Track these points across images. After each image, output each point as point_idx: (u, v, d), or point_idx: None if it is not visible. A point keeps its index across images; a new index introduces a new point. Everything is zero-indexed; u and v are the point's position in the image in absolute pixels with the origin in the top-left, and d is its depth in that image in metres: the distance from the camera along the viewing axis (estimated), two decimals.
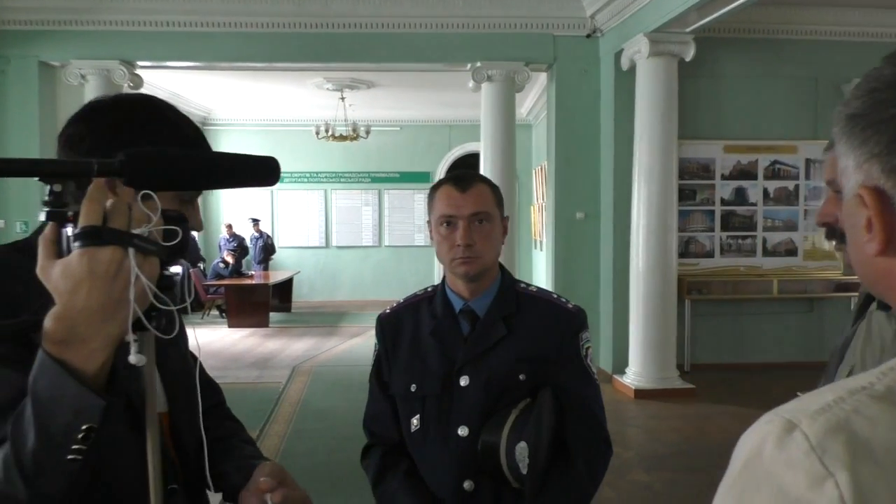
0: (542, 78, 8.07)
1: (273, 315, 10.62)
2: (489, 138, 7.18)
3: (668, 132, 6.12)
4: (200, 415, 1.02)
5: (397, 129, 12.52)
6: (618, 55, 6.55)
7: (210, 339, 9.01)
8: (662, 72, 6.06)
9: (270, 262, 12.11)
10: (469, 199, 1.58)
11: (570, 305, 1.67)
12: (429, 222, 1.67)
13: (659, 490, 4.15)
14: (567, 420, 1.57)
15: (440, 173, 12.70)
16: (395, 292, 12.53)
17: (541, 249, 9.62)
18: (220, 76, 8.90)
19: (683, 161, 6.70)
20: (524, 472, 1.47)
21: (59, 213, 0.74)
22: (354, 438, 5.24)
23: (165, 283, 0.76)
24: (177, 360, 1.17)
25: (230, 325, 10.00)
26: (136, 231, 0.73)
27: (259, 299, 10.19)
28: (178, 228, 0.77)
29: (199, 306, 10.79)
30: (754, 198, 7.11)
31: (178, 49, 6.98)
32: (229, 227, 11.62)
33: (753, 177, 7.08)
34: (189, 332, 1.20)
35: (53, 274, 0.73)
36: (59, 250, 0.75)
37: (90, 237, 0.71)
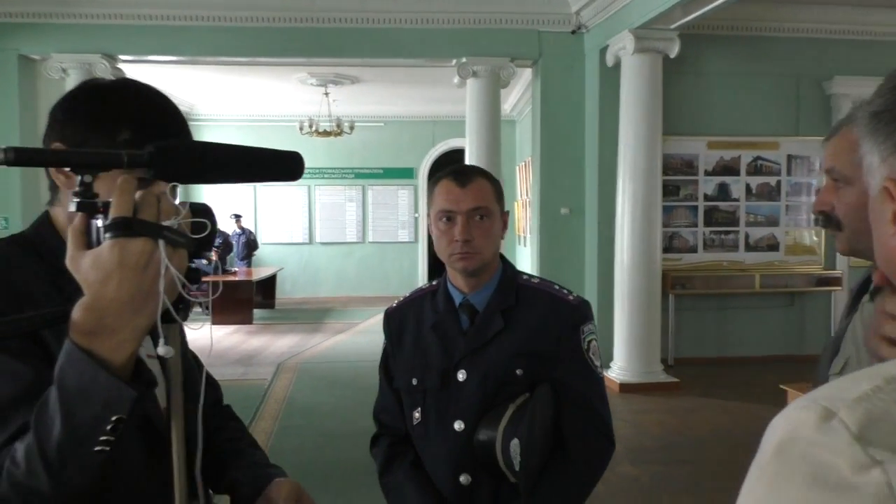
0: (527, 74, 8.10)
1: (257, 312, 10.56)
2: (474, 134, 7.19)
3: (652, 128, 6.16)
4: (201, 409, 1.01)
5: (381, 124, 12.49)
6: (603, 51, 6.58)
7: (193, 336, 8.91)
8: (647, 68, 6.10)
9: (253, 259, 12.03)
10: (468, 195, 1.57)
11: (571, 297, 1.64)
12: (428, 216, 1.66)
13: (646, 483, 4.20)
14: (565, 416, 1.57)
15: (424, 169, 12.70)
16: (379, 289, 12.64)
17: (525, 245, 9.65)
18: (203, 71, 8.83)
19: (667, 157, 6.75)
20: (518, 468, 1.47)
21: (89, 203, 0.74)
22: (341, 435, 5.28)
23: (192, 276, 0.77)
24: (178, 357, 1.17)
25: (213, 322, 9.94)
26: (165, 223, 0.73)
27: (242, 296, 10.12)
28: (206, 221, 0.78)
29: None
30: (737, 193, 7.19)
31: (161, 43, 6.91)
32: None
33: (736, 173, 7.16)
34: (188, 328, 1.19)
35: (83, 264, 0.73)
36: (88, 241, 0.74)
37: (122, 228, 0.72)
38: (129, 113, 0.99)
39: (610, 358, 6.45)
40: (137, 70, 8.13)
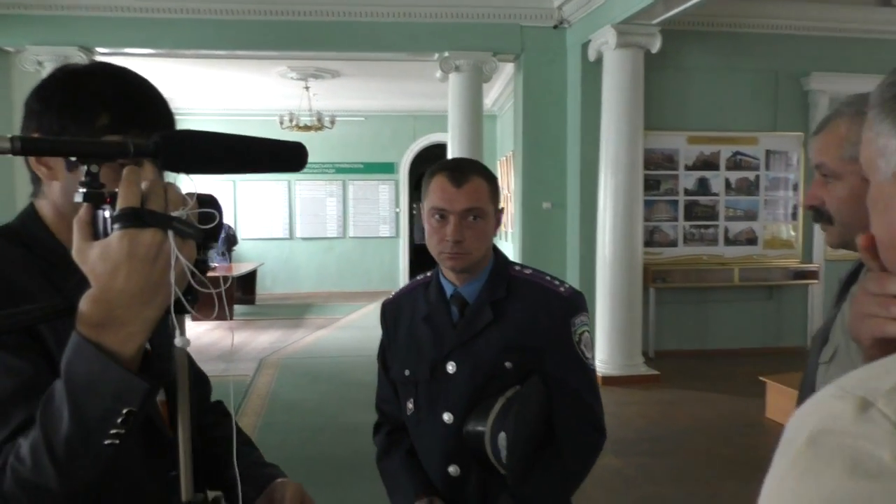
0: (508, 69, 8.10)
1: (237, 307, 10.48)
2: (456, 129, 7.19)
3: (634, 123, 6.20)
4: (187, 399, 1.00)
5: (362, 119, 12.43)
6: (585, 46, 6.61)
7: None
8: (629, 63, 6.13)
9: (232, 254, 11.94)
10: (463, 195, 1.53)
11: (562, 289, 1.62)
12: (422, 206, 1.64)
13: (629, 475, 4.24)
14: (556, 408, 1.57)
15: (405, 164, 12.67)
16: (360, 284, 12.59)
17: (506, 240, 9.67)
18: (181, 64, 8.71)
19: (648, 152, 6.79)
20: (505, 461, 1.47)
21: (96, 194, 0.73)
22: (326, 430, 5.26)
23: (201, 267, 0.76)
24: (168, 347, 1.16)
25: (193, 319, 9.81)
26: (174, 214, 0.73)
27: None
28: (214, 212, 0.77)
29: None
30: (716, 188, 7.26)
31: (139, 36, 6.82)
32: None
33: (716, 167, 7.23)
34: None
35: (91, 256, 0.72)
36: (94, 232, 0.73)
37: (131, 219, 0.71)
38: (105, 97, 0.97)
39: None
40: (115, 63, 8.01)
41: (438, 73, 7.24)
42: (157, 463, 1.00)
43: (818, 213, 1.30)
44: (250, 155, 0.85)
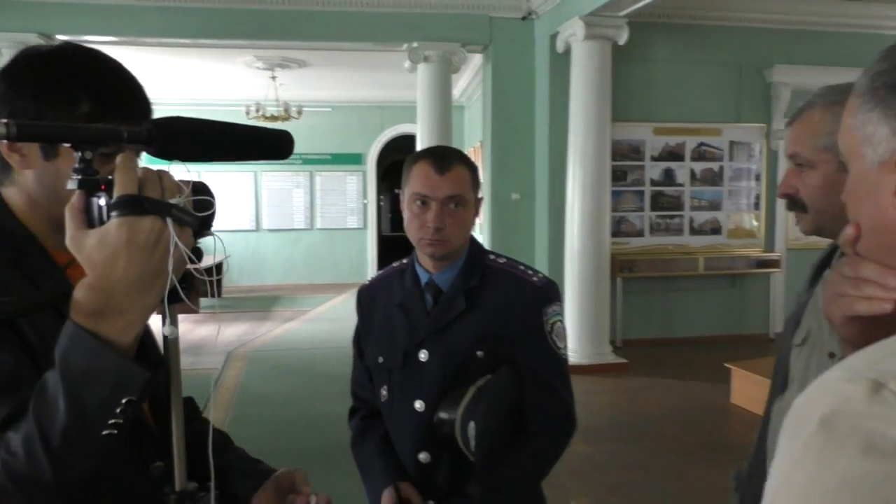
0: (476, 59, 8.10)
1: (203, 300, 10.33)
2: (425, 119, 7.18)
3: (602, 114, 6.26)
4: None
5: (329, 109, 12.32)
6: (553, 38, 6.64)
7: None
8: (597, 55, 6.18)
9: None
10: (445, 182, 1.54)
11: (535, 279, 1.63)
12: (402, 192, 1.63)
13: (600, 460, 4.31)
14: (526, 397, 1.58)
15: (373, 155, 12.60)
16: (328, 276, 12.50)
17: (476, 230, 9.70)
18: (144, 52, 8.52)
19: (615, 143, 6.86)
20: (474, 450, 1.48)
21: (92, 180, 0.72)
22: (297, 422, 5.23)
23: (197, 255, 0.76)
24: (149, 336, 1.14)
25: (158, 312, 9.68)
26: (172, 201, 0.72)
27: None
28: (211, 199, 0.77)
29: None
30: (682, 178, 7.37)
31: (101, 23, 6.66)
32: None
33: (681, 158, 7.34)
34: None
35: (87, 244, 0.71)
36: (89, 220, 0.72)
37: (130, 206, 0.70)
38: (85, 84, 0.93)
39: None
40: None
41: (407, 64, 7.22)
42: (140, 453, 0.99)
43: (792, 202, 1.33)
44: (239, 143, 0.85)
